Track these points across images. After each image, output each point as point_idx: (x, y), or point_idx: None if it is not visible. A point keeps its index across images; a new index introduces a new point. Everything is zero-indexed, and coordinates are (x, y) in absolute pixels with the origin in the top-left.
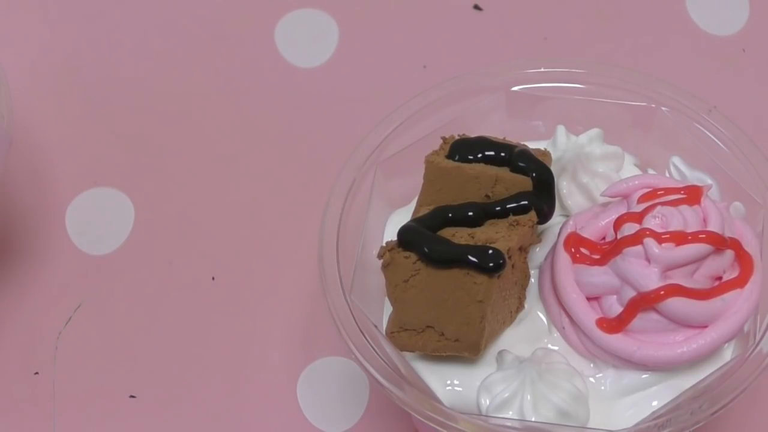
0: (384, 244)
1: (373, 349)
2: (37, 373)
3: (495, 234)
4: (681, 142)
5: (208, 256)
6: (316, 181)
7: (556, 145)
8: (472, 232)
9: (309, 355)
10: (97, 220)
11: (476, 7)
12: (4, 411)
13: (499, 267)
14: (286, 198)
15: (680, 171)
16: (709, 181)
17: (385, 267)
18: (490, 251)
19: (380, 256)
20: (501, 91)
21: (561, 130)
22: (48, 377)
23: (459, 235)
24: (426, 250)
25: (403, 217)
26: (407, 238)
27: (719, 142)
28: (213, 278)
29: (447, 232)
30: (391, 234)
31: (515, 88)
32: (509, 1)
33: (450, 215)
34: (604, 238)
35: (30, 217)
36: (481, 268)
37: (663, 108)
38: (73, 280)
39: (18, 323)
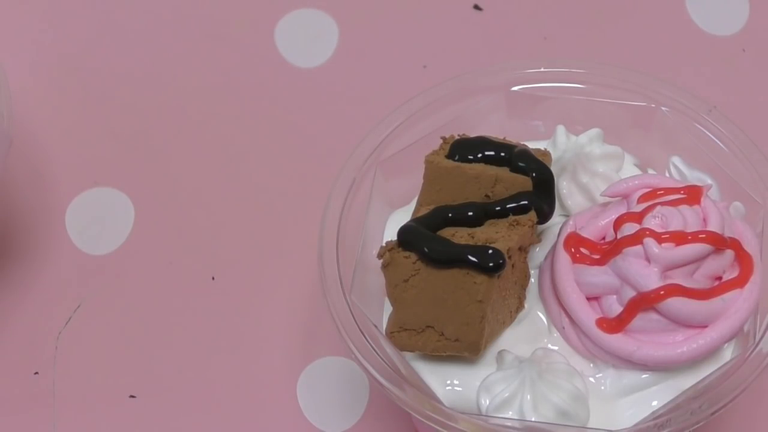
0: (384, 244)
1: (373, 349)
2: (37, 373)
3: (495, 234)
4: (681, 142)
5: (208, 256)
6: (316, 181)
7: (556, 145)
8: (472, 232)
9: (309, 355)
10: (97, 220)
11: (476, 7)
12: (4, 411)
13: (499, 267)
14: (286, 198)
15: (680, 171)
16: (709, 181)
17: (385, 267)
18: (490, 251)
19: (380, 256)
20: (501, 91)
21: (561, 130)
22: (48, 377)
23: (459, 235)
24: (426, 249)
25: (403, 217)
26: (407, 238)
27: (719, 142)
28: (213, 278)
29: (447, 232)
30: (391, 234)
31: (515, 88)
32: (509, 1)
33: (450, 215)
34: (604, 238)
35: (30, 217)
36: (481, 267)
37: (663, 108)
38: (73, 280)
39: (18, 323)
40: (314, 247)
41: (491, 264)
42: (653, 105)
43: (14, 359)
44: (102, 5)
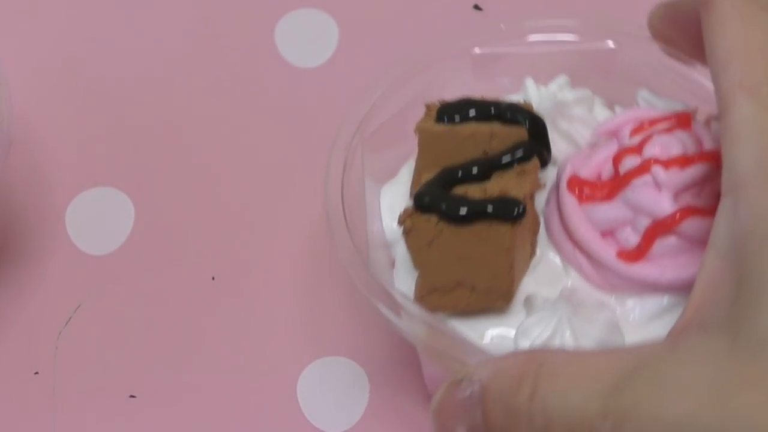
0: (401, 212)
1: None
2: (37, 373)
3: (506, 184)
4: (643, 76)
5: (208, 256)
6: (317, 181)
7: (529, 97)
8: (483, 187)
9: (309, 355)
10: (97, 220)
11: (476, 7)
12: (4, 411)
13: (520, 214)
14: (286, 198)
15: (650, 103)
16: (681, 107)
17: (407, 234)
18: (509, 200)
19: (401, 222)
20: (464, 55)
21: (530, 82)
22: (48, 377)
23: (472, 192)
24: (445, 208)
25: (393, 189)
26: (425, 201)
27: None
28: (213, 278)
29: (459, 191)
30: (387, 208)
31: (477, 50)
32: (509, 1)
33: (458, 175)
34: (599, 177)
35: (30, 217)
36: (504, 217)
37: (616, 44)
38: (73, 280)
39: (18, 323)
40: (314, 247)
41: (513, 212)
42: (612, 45)
43: (14, 359)
44: (101, 5)
